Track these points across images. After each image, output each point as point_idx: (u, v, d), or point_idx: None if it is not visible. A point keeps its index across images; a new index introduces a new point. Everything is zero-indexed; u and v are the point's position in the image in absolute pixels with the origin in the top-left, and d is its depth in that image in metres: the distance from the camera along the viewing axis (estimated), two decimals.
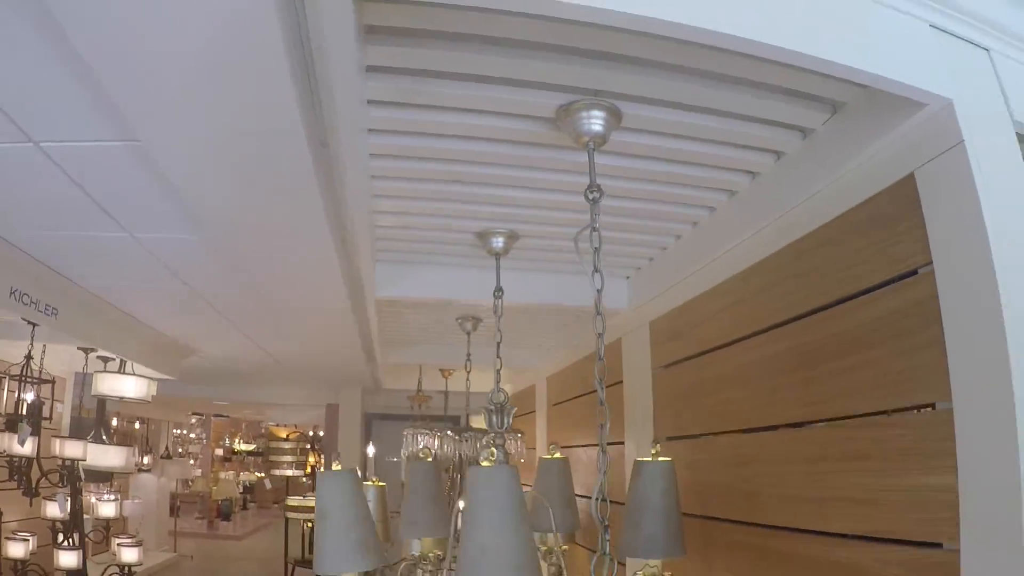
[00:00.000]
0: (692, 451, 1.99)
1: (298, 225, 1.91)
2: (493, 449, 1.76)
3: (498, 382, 1.89)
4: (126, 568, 4.79)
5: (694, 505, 1.89)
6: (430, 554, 2.10)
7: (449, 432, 2.61)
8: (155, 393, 4.23)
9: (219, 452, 15.67)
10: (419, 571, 2.13)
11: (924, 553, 1.18)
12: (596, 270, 1.24)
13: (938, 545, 1.15)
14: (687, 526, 1.54)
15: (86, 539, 4.54)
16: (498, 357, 1.90)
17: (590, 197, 1.26)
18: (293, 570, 7.49)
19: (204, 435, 14.20)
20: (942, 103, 1.15)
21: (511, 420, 1.93)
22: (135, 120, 1.36)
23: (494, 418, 1.90)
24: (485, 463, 1.72)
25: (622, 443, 2.65)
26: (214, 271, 2.61)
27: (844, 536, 1.39)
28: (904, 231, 1.25)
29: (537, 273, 2.32)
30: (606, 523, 1.25)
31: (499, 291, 1.89)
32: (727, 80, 1.26)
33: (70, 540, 4.28)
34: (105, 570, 4.83)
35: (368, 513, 1.53)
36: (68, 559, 4.17)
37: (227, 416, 14.17)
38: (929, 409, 1.18)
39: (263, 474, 15.77)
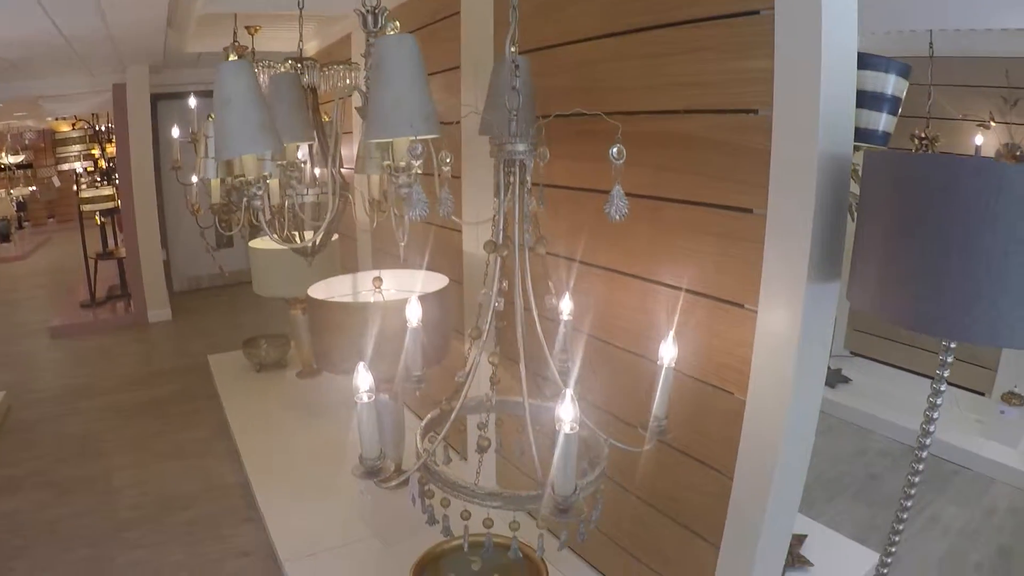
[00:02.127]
0: (535, 63, 2.10)
1: None
2: (397, 22, 2.04)
3: None
4: None
5: (539, 107, 2.01)
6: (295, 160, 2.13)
7: (291, 61, 2.50)
8: None
9: None
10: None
11: (743, 118, 1.52)
12: None
13: (754, 111, 1.49)
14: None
15: None
16: None
17: None
18: (96, 264, 7.31)
19: None
20: None
21: (385, 21, 2.17)
22: None
23: (368, 19, 2.13)
24: (391, 32, 1.87)
25: (458, 67, 2.80)
26: None
27: (678, 112, 1.70)
28: None
29: None
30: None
31: None
32: None
33: None
34: None
35: (265, 103, 1.52)
36: None
37: None
38: (755, 15, 1.46)
39: (35, 187, 14.51)
